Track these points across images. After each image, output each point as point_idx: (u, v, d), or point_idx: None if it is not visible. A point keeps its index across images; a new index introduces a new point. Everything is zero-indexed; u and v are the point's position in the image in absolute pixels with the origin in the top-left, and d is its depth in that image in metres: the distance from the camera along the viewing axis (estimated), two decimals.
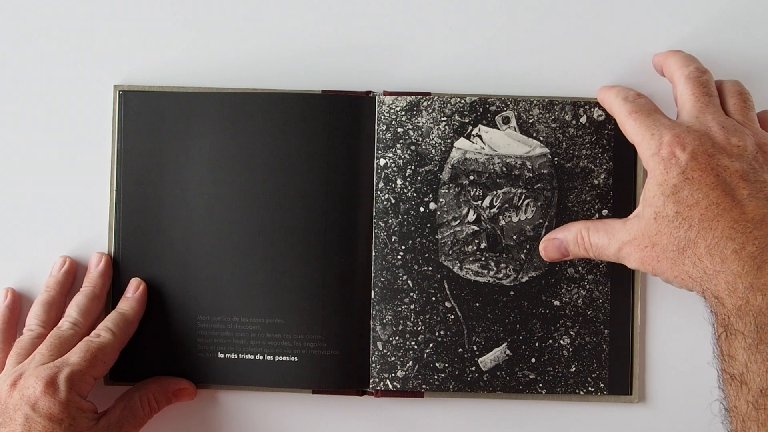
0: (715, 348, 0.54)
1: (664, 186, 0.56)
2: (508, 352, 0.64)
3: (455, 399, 0.66)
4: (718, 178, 0.55)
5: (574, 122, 0.64)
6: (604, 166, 0.64)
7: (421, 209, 0.65)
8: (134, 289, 0.64)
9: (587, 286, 0.65)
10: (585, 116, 0.64)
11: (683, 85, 0.60)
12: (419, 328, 0.64)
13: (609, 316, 0.64)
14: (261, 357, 0.65)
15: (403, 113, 0.65)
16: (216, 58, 0.66)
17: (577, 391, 0.64)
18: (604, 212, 0.64)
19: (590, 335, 0.64)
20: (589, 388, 0.64)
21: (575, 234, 0.61)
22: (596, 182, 0.64)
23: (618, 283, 0.64)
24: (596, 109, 0.64)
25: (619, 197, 0.64)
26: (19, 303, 0.66)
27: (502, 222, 0.65)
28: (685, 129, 0.57)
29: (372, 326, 0.64)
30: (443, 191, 0.65)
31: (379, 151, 0.65)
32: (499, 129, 0.64)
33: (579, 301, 0.64)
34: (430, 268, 0.65)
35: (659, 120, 0.58)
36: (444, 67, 0.66)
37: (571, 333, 0.64)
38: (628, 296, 0.64)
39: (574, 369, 0.64)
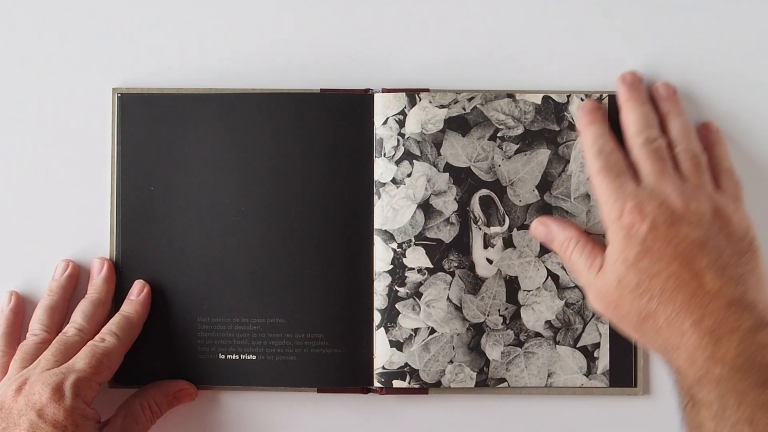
0: (683, 416, 0.55)
1: (625, 254, 0.57)
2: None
3: (460, 395, 0.66)
4: (677, 248, 0.56)
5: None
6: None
7: None
8: (138, 291, 0.64)
9: None
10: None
11: (637, 151, 0.61)
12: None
13: None
14: (263, 357, 0.65)
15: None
16: (214, 59, 0.66)
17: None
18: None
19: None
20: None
21: (564, 239, 0.62)
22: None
23: None
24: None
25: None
26: (22, 306, 0.66)
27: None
28: (647, 197, 0.58)
29: (375, 323, 0.64)
30: None
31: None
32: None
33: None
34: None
35: (624, 185, 0.59)
36: (441, 62, 0.66)
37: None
38: None
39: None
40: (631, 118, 0.62)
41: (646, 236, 0.56)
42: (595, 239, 0.61)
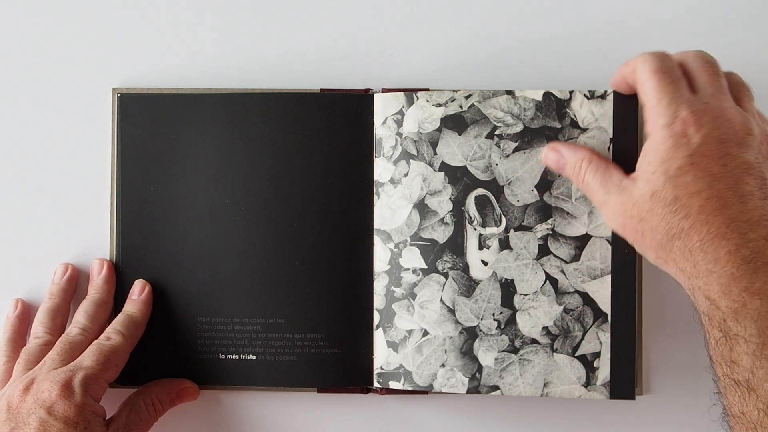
0: (713, 353, 0.52)
1: (668, 164, 0.53)
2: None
3: (460, 396, 0.65)
4: (725, 168, 0.52)
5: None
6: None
7: None
8: (140, 290, 0.65)
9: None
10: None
11: (693, 61, 0.56)
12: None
13: (610, 317, 0.62)
14: (263, 357, 0.65)
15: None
16: (214, 59, 0.67)
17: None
18: None
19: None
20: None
21: (577, 160, 0.59)
22: None
23: (619, 276, 0.62)
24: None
25: None
26: (28, 313, 0.67)
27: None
28: (703, 108, 0.54)
29: (375, 324, 0.64)
30: None
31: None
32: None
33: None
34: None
35: (681, 90, 0.54)
36: (441, 62, 0.66)
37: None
38: (631, 294, 0.62)
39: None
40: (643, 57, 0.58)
41: (696, 149, 0.53)
42: (608, 159, 0.59)
